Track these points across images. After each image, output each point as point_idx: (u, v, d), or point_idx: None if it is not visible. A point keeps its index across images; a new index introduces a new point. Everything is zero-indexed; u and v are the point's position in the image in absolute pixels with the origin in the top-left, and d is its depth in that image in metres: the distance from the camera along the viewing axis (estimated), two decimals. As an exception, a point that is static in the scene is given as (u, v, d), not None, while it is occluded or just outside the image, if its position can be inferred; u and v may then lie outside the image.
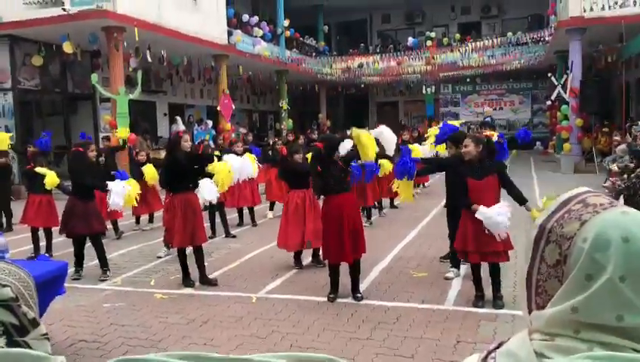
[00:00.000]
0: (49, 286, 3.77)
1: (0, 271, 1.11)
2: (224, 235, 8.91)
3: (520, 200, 5.16)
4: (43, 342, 1.08)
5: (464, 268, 6.20)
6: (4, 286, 1.06)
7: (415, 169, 6.01)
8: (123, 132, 10.82)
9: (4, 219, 10.05)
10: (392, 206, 11.38)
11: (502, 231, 4.97)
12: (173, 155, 6.16)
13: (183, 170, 6.15)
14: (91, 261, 6.90)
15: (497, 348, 0.90)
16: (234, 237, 8.91)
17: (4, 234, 5.71)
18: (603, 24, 16.16)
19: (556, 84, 18.80)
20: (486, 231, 4.97)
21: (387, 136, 6.12)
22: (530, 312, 0.89)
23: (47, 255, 7.62)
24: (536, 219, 0.90)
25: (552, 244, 0.86)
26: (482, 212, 4.98)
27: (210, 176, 6.53)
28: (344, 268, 5.57)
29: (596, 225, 0.82)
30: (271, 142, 13.38)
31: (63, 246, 8.01)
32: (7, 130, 14.82)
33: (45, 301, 3.77)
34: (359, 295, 5.49)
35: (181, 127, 18.30)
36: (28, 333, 1.06)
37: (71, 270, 6.39)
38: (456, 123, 7.18)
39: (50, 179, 7.45)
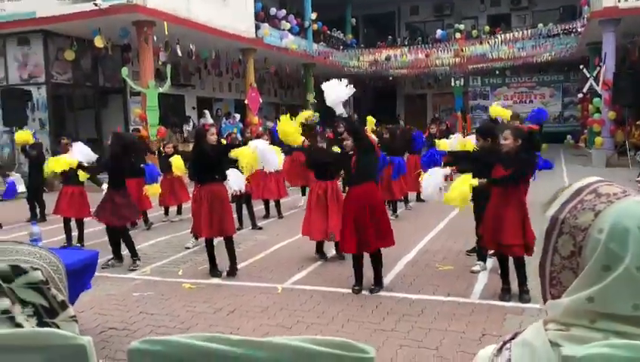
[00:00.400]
0: (80, 274, 3.87)
1: (31, 255, 1.16)
2: (251, 227, 8.99)
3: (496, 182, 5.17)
4: (71, 324, 1.12)
5: (490, 261, 6.15)
6: (35, 269, 1.11)
7: (442, 161, 6.00)
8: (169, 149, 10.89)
9: (37, 210, 10.31)
10: (419, 199, 11.32)
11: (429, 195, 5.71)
12: (200, 147, 6.25)
13: (210, 162, 6.23)
14: (122, 251, 7.04)
15: (513, 338, 0.91)
16: (260, 228, 8.99)
17: (37, 223, 5.87)
18: (638, 14, 15.75)
19: (588, 76, 18.42)
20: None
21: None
22: (545, 302, 0.90)
23: (78, 245, 7.82)
24: (547, 211, 0.90)
25: (565, 236, 0.85)
26: (429, 174, 5.66)
27: (236, 162, 6.59)
28: (368, 260, 5.58)
29: (611, 216, 0.81)
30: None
31: (95, 236, 8.19)
32: (42, 123, 15.21)
33: (76, 288, 3.86)
34: (373, 287, 5.50)
35: (209, 120, 18.51)
36: (57, 315, 1.11)
37: (105, 258, 6.58)
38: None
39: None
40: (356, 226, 5.36)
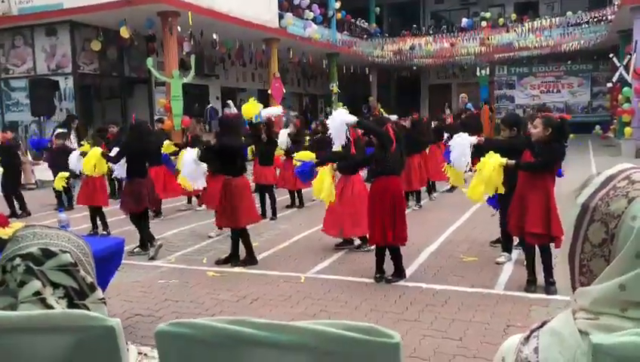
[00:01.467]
0: (107, 262, 3.92)
1: (60, 238, 1.18)
2: (271, 216, 8.98)
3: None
4: (100, 306, 1.14)
5: (516, 252, 6.09)
6: (64, 251, 1.13)
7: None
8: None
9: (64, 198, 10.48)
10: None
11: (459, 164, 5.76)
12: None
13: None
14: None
15: (541, 326, 0.90)
16: (273, 220, 8.97)
17: (64, 211, 5.99)
18: (671, 1, 15.35)
19: (618, 65, 18.04)
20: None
21: None
22: (574, 291, 0.88)
23: (104, 233, 7.92)
24: (577, 198, 0.88)
25: (596, 223, 0.84)
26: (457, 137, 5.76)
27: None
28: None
29: None
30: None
31: (119, 225, 8.31)
32: (69, 113, 15.44)
33: (104, 275, 3.92)
34: (390, 277, 5.50)
35: (233, 110, 18.57)
36: (87, 297, 1.13)
37: (131, 246, 6.68)
38: None
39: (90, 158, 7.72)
40: (375, 218, 5.42)
